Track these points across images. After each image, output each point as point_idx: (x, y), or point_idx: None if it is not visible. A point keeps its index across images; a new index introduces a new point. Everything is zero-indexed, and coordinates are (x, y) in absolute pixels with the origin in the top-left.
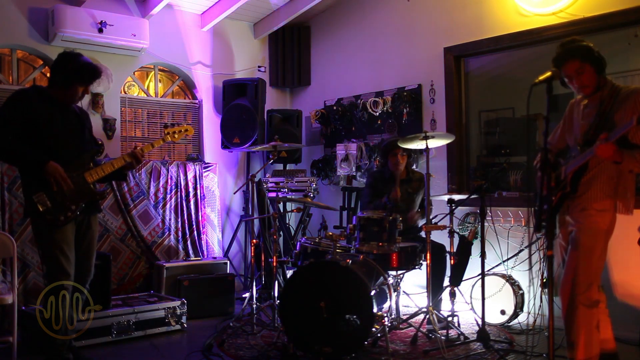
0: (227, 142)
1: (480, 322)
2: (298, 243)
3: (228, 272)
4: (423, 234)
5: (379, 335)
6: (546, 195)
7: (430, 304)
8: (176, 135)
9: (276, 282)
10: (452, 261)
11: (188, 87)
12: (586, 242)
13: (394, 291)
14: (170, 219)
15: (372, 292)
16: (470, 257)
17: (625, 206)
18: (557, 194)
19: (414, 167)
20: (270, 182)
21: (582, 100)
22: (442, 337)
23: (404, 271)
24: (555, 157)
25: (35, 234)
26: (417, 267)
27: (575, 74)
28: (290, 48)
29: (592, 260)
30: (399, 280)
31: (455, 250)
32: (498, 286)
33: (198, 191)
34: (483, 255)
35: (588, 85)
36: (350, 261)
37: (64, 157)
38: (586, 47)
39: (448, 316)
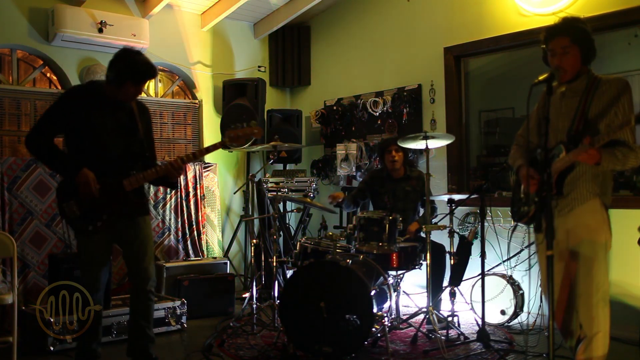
0: None
1: (480, 322)
2: (298, 243)
3: (228, 272)
4: (423, 234)
5: (379, 335)
6: (546, 196)
7: (430, 304)
8: (240, 138)
9: (276, 282)
10: (452, 261)
11: (188, 87)
12: (585, 252)
13: (394, 291)
14: (170, 219)
15: (372, 292)
16: (470, 257)
17: (608, 203)
18: (541, 196)
19: (415, 166)
20: (270, 182)
21: (559, 87)
22: (442, 337)
23: (404, 271)
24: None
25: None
26: (417, 267)
27: (561, 51)
28: (290, 48)
29: (592, 272)
30: (399, 280)
31: (455, 250)
32: (498, 286)
33: (198, 191)
34: (483, 255)
35: (567, 69)
36: (350, 261)
37: (105, 161)
38: (583, 30)
39: (448, 316)
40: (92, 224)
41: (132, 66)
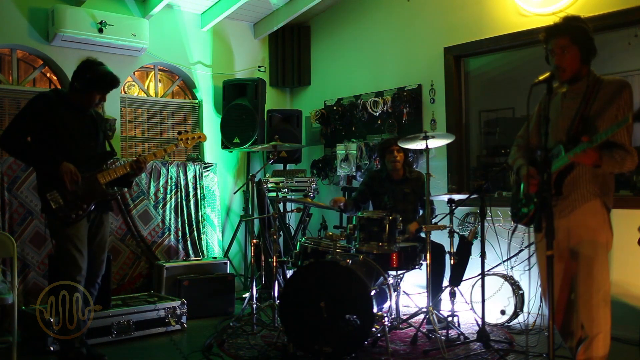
0: (227, 142)
1: (480, 322)
2: (298, 243)
3: (228, 272)
4: (423, 234)
5: (379, 335)
6: (546, 196)
7: (430, 304)
8: (189, 142)
9: (276, 282)
10: (452, 261)
11: (188, 87)
12: (585, 252)
13: (394, 291)
14: (170, 219)
15: (372, 292)
16: (470, 257)
17: (610, 204)
18: (540, 196)
19: (415, 167)
20: (270, 182)
21: (560, 88)
22: (442, 337)
23: (404, 271)
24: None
25: (50, 230)
26: (417, 267)
27: (560, 51)
28: (290, 48)
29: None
30: (399, 280)
31: (455, 250)
32: (498, 286)
33: (198, 191)
34: (483, 255)
35: (566, 68)
36: (350, 261)
37: (78, 159)
38: (583, 30)
39: (448, 316)
40: (75, 212)
41: (99, 77)
